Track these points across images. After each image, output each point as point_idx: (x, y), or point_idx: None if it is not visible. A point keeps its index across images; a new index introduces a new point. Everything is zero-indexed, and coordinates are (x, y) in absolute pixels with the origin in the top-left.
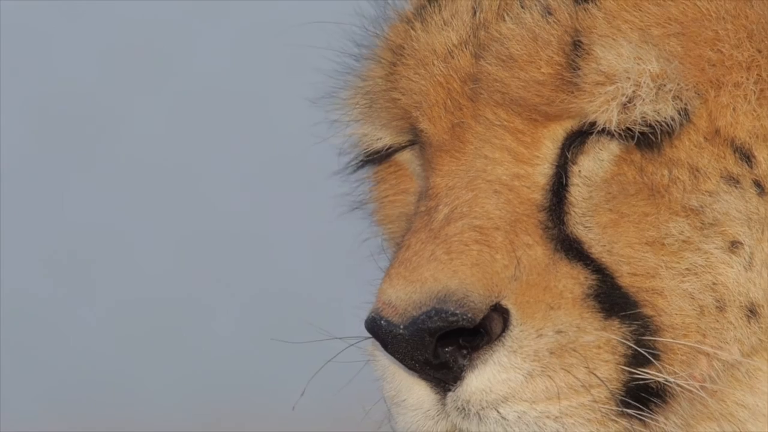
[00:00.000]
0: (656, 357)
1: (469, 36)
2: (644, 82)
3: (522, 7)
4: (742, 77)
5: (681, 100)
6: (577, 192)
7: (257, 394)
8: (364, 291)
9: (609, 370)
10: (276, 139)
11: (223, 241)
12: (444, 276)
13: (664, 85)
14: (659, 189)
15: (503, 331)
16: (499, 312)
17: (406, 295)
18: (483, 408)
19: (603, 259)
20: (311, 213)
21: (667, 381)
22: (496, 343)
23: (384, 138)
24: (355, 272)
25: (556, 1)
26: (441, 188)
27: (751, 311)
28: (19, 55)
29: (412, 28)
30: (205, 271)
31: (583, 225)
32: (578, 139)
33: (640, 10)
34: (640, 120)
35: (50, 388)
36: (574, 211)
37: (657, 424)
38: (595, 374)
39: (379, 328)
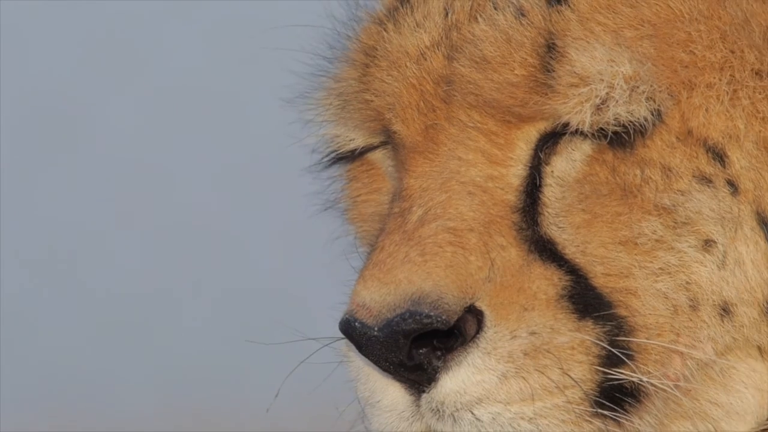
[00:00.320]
0: (630, 357)
1: (442, 37)
2: (617, 84)
3: (495, 9)
4: (714, 78)
5: (654, 101)
6: (550, 192)
7: (229, 391)
8: (337, 290)
9: (583, 371)
10: (248, 136)
11: (196, 239)
12: (418, 278)
13: (638, 87)
14: (632, 188)
15: (477, 332)
16: (474, 314)
17: (381, 297)
18: (457, 409)
19: (577, 260)
20: (283, 211)
21: (641, 381)
22: (470, 344)
23: (357, 139)
24: (328, 270)
25: (529, 2)
26: (415, 190)
27: (724, 310)
28: None
29: (385, 30)
30: (177, 268)
31: (557, 225)
32: (551, 140)
33: (613, 11)
34: (613, 121)
35: (22, 384)
36: (547, 212)
37: (631, 424)
38: (569, 375)
39: (353, 330)
